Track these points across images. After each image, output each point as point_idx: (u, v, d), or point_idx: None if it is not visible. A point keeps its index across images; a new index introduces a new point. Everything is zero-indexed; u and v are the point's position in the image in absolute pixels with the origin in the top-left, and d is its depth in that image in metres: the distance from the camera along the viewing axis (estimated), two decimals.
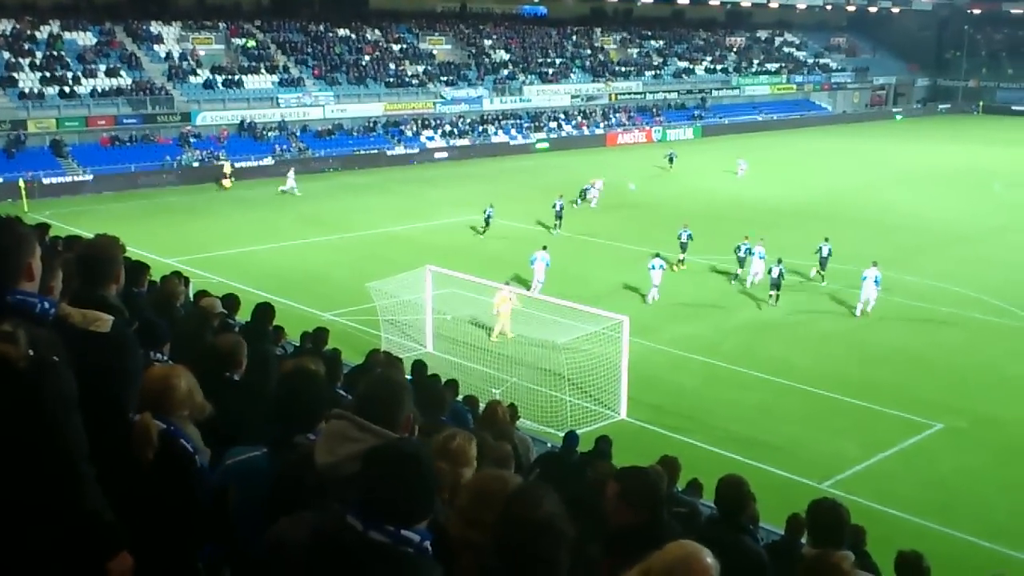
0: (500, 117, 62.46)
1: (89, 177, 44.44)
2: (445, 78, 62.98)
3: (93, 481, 3.12)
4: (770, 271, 26.59)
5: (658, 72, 75.24)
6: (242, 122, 52.40)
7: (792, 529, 8.32)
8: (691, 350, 22.34)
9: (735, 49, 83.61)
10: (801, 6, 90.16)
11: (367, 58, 61.73)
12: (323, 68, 58.53)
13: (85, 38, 52.51)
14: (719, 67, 79.58)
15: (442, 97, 61.17)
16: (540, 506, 3.05)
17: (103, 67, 50.70)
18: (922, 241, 31.29)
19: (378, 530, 2.75)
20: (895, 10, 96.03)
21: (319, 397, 4.10)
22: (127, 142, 48.21)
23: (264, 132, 52.51)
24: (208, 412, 4.01)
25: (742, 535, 6.07)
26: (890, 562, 7.81)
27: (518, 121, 62.80)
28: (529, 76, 67.47)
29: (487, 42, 70.11)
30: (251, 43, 58.26)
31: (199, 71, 54.15)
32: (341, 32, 63.32)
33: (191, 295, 11.05)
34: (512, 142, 60.31)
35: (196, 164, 47.93)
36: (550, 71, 68.88)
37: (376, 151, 54.04)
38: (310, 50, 60.14)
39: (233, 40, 57.84)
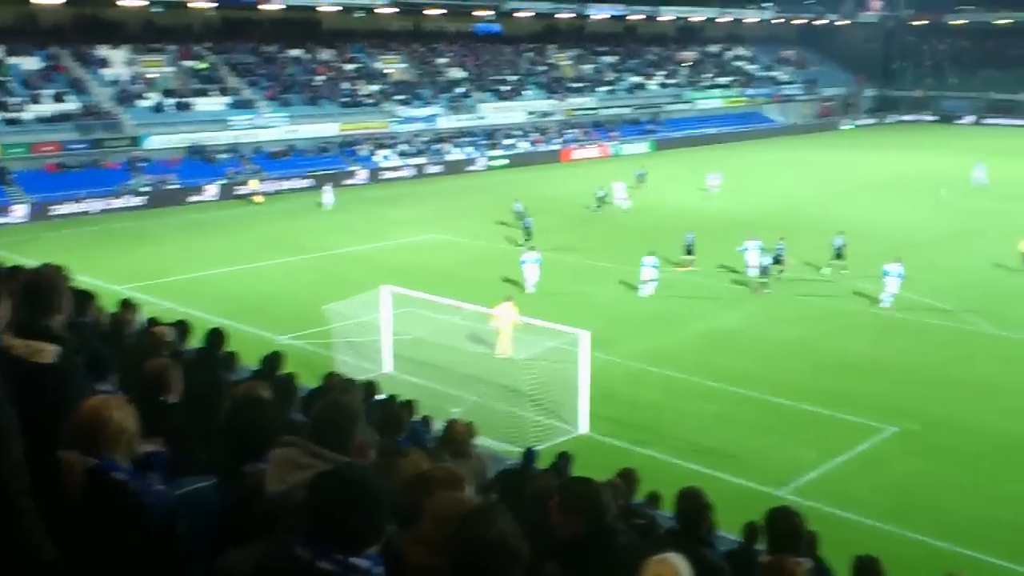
0: (456, 135, 62.53)
1: (36, 205, 43.48)
2: (399, 97, 62.93)
3: (33, 515, 3.05)
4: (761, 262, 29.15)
5: (612, 88, 75.91)
6: (191, 146, 51.72)
7: (749, 537, 8.40)
8: (651, 362, 22.49)
9: (687, 64, 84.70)
10: (750, 20, 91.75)
11: (320, 78, 61.52)
12: (276, 89, 58.17)
13: (30, 63, 51.61)
14: (672, 82, 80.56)
15: (397, 116, 61.09)
16: (493, 525, 3.06)
17: (50, 92, 49.87)
18: (874, 248, 31.91)
19: (327, 559, 2.71)
20: (842, 23, 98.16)
21: (268, 424, 4.04)
22: (75, 167, 47.38)
23: (214, 155, 51.84)
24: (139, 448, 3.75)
25: (702, 547, 6.11)
26: (847, 567, 7.93)
27: (474, 139, 62.92)
28: (484, 94, 67.66)
29: (441, 60, 70.20)
30: (202, 65, 57.71)
31: (148, 95, 53.46)
32: (293, 53, 62.96)
33: (144, 322, 10.89)
34: (468, 159, 60.38)
35: (146, 188, 47.13)
36: (505, 88, 69.19)
37: (333, 171, 53.73)
38: (263, 71, 59.75)
39: (183, 62, 57.23)
